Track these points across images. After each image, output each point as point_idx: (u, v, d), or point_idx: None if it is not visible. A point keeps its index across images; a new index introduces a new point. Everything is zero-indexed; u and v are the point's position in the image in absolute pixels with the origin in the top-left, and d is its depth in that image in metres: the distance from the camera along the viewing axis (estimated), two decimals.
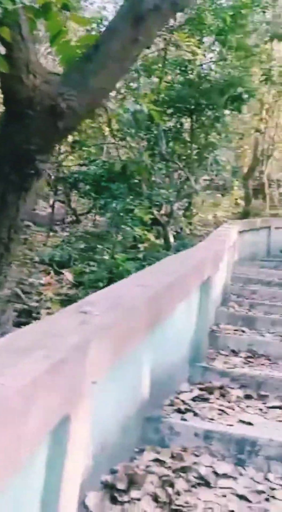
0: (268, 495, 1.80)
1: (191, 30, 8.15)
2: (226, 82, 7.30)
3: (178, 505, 1.64)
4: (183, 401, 2.49)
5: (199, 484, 1.83)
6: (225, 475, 1.92)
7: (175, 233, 8.30)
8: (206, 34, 8.71)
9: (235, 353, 3.58)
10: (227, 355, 3.51)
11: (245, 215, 13.28)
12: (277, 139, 15.25)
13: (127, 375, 2.01)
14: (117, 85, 8.69)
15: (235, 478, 1.92)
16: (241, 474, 1.95)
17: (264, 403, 2.63)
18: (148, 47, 3.75)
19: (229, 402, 2.61)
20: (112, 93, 6.39)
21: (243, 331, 4.19)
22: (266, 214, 15.15)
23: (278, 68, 9.92)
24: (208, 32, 8.64)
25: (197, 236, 10.57)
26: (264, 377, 2.89)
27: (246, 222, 9.11)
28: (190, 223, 9.58)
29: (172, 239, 7.73)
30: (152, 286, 2.18)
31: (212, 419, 2.30)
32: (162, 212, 8.34)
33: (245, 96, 7.42)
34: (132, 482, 1.73)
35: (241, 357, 3.46)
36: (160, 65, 7.75)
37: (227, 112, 8.02)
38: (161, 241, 7.71)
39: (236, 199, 16.77)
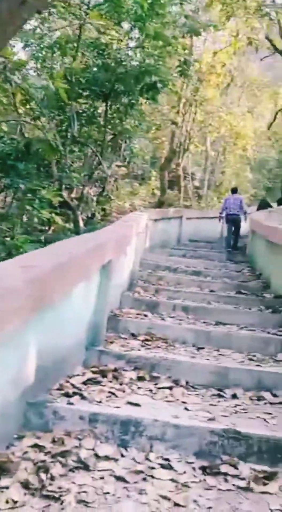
0: (146, 475, 1.80)
1: (109, 12, 7.99)
2: (141, 69, 7.28)
3: (50, 491, 1.57)
4: (72, 385, 2.42)
5: (77, 468, 1.77)
6: (106, 457, 1.89)
7: (86, 218, 8.18)
8: (124, 19, 8.61)
9: (134, 336, 3.59)
10: (126, 339, 3.51)
11: (160, 205, 13.54)
12: (193, 134, 15.75)
13: (7, 358, 1.88)
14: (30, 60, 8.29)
15: (116, 460, 1.89)
16: (122, 455, 1.94)
17: (155, 384, 2.66)
18: (39, 12, 3.55)
19: (121, 384, 2.60)
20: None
21: (146, 315, 4.23)
22: (180, 205, 15.61)
23: (194, 62, 10.14)
24: (126, 17, 8.56)
25: (111, 223, 10.55)
26: (157, 359, 2.93)
27: (159, 211, 9.27)
28: (104, 209, 9.52)
29: (82, 224, 7.60)
30: (38, 266, 2.06)
31: (100, 402, 2.26)
32: (73, 195, 8.15)
33: (160, 85, 7.47)
34: (4, 470, 1.63)
35: (139, 340, 3.48)
36: (75, 44, 7.50)
37: (142, 100, 8.03)
38: (70, 225, 7.54)
39: (153, 189, 17.07)
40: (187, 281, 5.92)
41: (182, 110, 12.05)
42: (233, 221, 9.63)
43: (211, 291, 5.51)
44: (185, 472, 1.85)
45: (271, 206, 13.42)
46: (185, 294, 5.13)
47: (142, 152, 12.59)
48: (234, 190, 10.42)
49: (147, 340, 3.48)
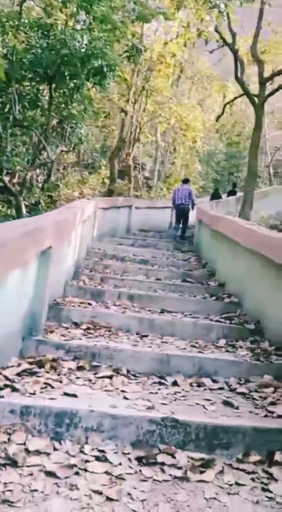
0: (80, 469, 1.71)
1: None
2: (87, 52, 7.05)
3: None
4: (5, 376, 2.28)
5: (3, 465, 1.65)
6: (37, 452, 1.77)
7: (30, 205, 7.87)
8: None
9: (76, 325, 3.47)
10: (67, 328, 3.38)
11: (109, 194, 13.38)
12: (143, 124, 15.67)
13: None
14: None
15: (48, 454, 1.79)
16: (55, 449, 1.83)
17: (95, 374, 2.56)
18: None
19: (58, 375, 2.48)
20: None
21: (90, 304, 4.11)
22: (130, 195, 15.53)
23: (143, 49, 10.01)
24: None
25: None
26: (99, 348, 2.83)
27: (108, 200, 9.12)
28: (51, 197, 9.22)
29: (24, 211, 7.31)
30: None
31: (33, 394, 2.14)
32: (15, 180, 7.80)
33: (107, 70, 7.28)
34: None
35: (81, 329, 3.36)
36: (16, 22, 7.13)
37: (90, 85, 7.79)
38: (13, 212, 7.23)
39: (103, 178, 16.85)
40: (134, 269, 5.86)
41: (131, 99, 11.90)
42: (181, 211, 9.69)
43: (158, 279, 5.49)
44: (120, 464, 1.78)
45: (221, 197, 13.71)
46: (131, 282, 5.06)
47: (88, 138, 12.28)
48: (185, 181, 10.48)
49: (89, 328, 3.37)
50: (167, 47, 14.35)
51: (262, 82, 12.04)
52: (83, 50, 7.08)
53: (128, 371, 2.70)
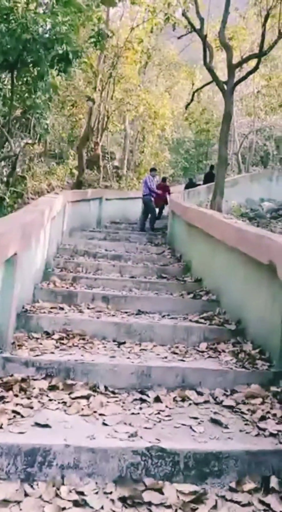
0: None
1: None
2: (51, 37, 6.64)
3: None
4: None
5: None
6: (4, 502, 1.54)
7: None
8: None
9: (48, 335, 3.22)
10: (38, 339, 3.13)
11: (78, 185, 13.01)
12: (111, 112, 15.27)
13: None
14: None
15: (18, 502, 1.56)
16: (27, 495, 1.61)
17: (69, 393, 2.34)
18: None
19: (29, 398, 2.24)
20: None
21: (62, 308, 3.86)
22: (100, 186, 15.19)
23: (109, 34, 9.64)
24: None
25: (26, 205, 9.85)
26: (73, 363, 2.60)
27: (78, 193, 8.80)
28: (16, 192, 8.81)
29: None
30: None
31: (0, 428, 1.89)
32: None
33: (72, 56, 6.89)
34: None
35: (54, 339, 3.12)
36: None
37: (54, 73, 7.39)
38: None
39: (71, 168, 16.39)
40: (107, 266, 5.63)
41: (99, 86, 11.50)
42: (143, 202, 9.53)
43: (132, 277, 5.28)
44: (102, 508, 1.57)
45: (198, 185, 13.47)
46: (105, 281, 4.83)
47: (54, 129, 11.85)
48: (151, 170, 10.25)
49: (62, 338, 3.13)
50: (133, 33, 13.98)
51: (231, 68, 11.86)
52: (46, 35, 6.67)
53: (106, 388, 2.48)
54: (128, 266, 5.70)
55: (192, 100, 13.12)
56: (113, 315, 3.76)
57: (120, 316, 3.74)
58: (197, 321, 3.79)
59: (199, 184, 14.33)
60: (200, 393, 2.55)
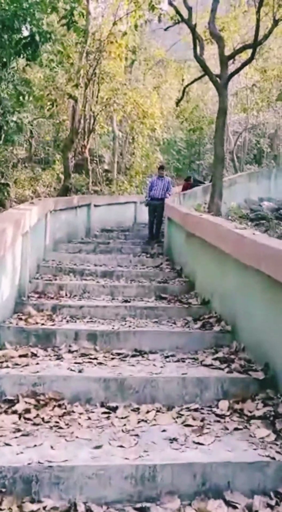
0: None
1: None
2: (10, 15, 5.63)
3: None
4: None
5: None
6: None
7: None
8: None
9: (10, 404, 2.33)
10: None
11: (65, 191, 12.11)
12: (97, 113, 14.37)
13: None
14: None
15: None
16: None
17: None
18: None
19: None
20: None
21: (35, 355, 2.98)
22: (90, 191, 14.30)
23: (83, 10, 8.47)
24: None
25: None
26: (36, 469, 1.71)
27: (62, 200, 7.92)
28: None
29: None
30: None
31: None
32: None
33: (39, 39, 5.94)
34: None
35: (16, 413, 2.23)
36: None
37: (21, 61, 6.42)
38: None
39: (58, 174, 15.52)
40: (96, 287, 4.75)
41: (81, 84, 10.59)
42: (155, 207, 8.39)
43: (125, 300, 4.40)
44: None
45: (203, 183, 12.45)
46: (92, 310, 3.95)
47: (38, 132, 10.95)
48: (160, 168, 9.07)
49: (27, 411, 2.24)
50: (117, 28, 13.12)
51: (223, 61, 11.05)
52: (3, 12, 5.66)
53: (88, 509, 1.60)
54: (121, 286, 4.82)
55: (183, 96, 12.30)
56: (101, 363, 2.86)
57: (111, 364, 2.84)
58: (210, 365, 2.91)
59: (202, 182, 13.36)
60: (230, 504, 1.68)
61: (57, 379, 2.52)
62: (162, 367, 2.87)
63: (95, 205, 9.78)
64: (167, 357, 3.13)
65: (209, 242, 4.07)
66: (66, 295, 4.55)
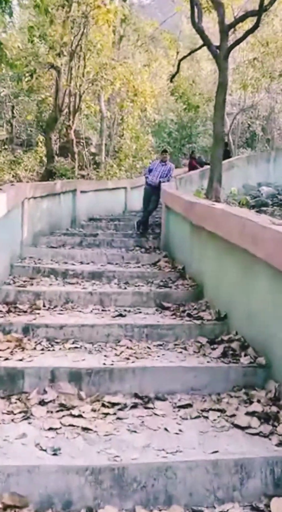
0: None
1: None
2: None
3: None
4: None
5: None
6: None
7: None
8: None
9: None
10: None
11: (48, 175, 11.05)
12: (83, 90, 13.17)
13: None
14: None
15: None
16: None
17: None
18: None
19: None
20: None
21: None
22: (76, 176, 13.20)
23: None
24: None
25: None
26: None
27: (41, 185, 6.89)
28: None
29: None
30: None
31: None
32: None
33: None
34: None
35: None
36: None
37: None
38: None
39: (41, 156, 14.35)
40: (82, 295, 3.81)
41: (64, 53, 9.39)
42: (152, 194, 7.32)
43: (119, 314, 3.46)
44: None
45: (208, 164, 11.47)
46: (76, 330, 3.01)
47: (29, 113, 9.78)
48: (163, 152, 8.01)
49: None
50: None
51: (224, 30, 9.97)
52: None
53: None
54: (112, 293, 3.87)
55: (178, 71, 11.24)
56: (88, 429, 1.93)
57: (103, 432, 1.91)
58: (247, 427, 2.01)
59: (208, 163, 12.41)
60: None
61: (19, 471, 1.58)
62: (177, 433, 1.95)
63: (81, 191, 8.75)
64: (181, 407, 2.23)
65: (227, 239, 3.14)
66: (44, 306, 3.60)
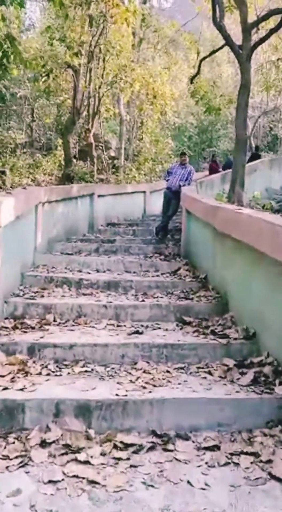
0: None
1: None
2: None
3: None
4: None
5: None
6: None
7: None
8: None
9: None
10: None
11: (66, 179, 10.85)
12: (103, 93, 12.96)
13: None
14: None
15: None
16: None
17: None
18: None
19: None
20: None
21: None
22: (95, 179, 12.98)
23: None
24: None
25: None
26: None
27: (57, 189, 6.64)
28: None
29: None
30: None
31: None
32: None
33: None
34: None
35: None
36: None
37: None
38: None
39: (60, 160, 14.20)
40: (96, 309, 3.50)
41: (83, 52, 9.14)
42: (171, 198, 6.97)
43: (136, 331, 3.13)
44: None
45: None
46: (87, 350, 2.70)
47: (46, 116, 9.50)
48: (181, 154, 7.72)
49: None
50: None
51: (246, 29, 9.60)
52: None
53: None
54: (129, 306, 3.55)
55: (198, 71, 10.89)
56: (95, 482, 1.60)
57: (114, 486, 1.59)
58: None
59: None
60: None
61: None
62: (203, 489, 1.61)
63: (99, 195, 8.48)
64: (206, 449, 1.89)
65: (256, 248, 2.79)
66: (54, 320, 3.31)
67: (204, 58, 10.76)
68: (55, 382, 2.30)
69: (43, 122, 15.38)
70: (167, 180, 7.28)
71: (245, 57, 9.37)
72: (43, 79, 8.61)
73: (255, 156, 14.70)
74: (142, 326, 3.30)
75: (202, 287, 4.30)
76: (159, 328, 3.29)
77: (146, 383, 2.35)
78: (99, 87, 12.22)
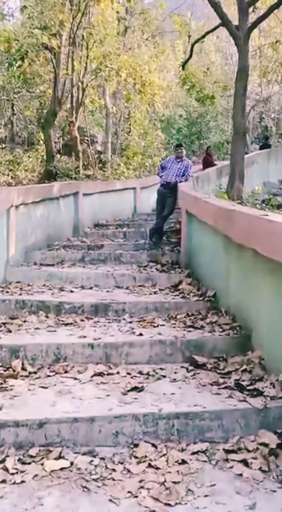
0: None
1: None
2: None
3: None
4: None
5: None
6: None
7: None
8: None
9: None
10: None
11: (48, 176, 9.93)
12: (87, 82, 12.00)
13: None
14: None
15: None
16: None
17: None
18: None
19: None
20: None
21: None
22: (81, 176, 12.06)
23: None
24: None
25: None
26: None
27: (34, 190, 5.73)
28: None
29: None
30: None
31: None
32: None
33: None
34: None
35: None
36: None
37: None
38: None
39: (42, 156, 13.25)
40: (79, 349, 2.65)
41: (62, 33, 8.14)
42: (167, 196, 6.08)
43: (134, 388, 2.28)
44: None
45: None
46: (63, 430, 1.85)
47: (26, 109, 8.62)
48: (177, 146, 6.84)
49: None
50: None
51: (243, 8, 8.77)
52: None
53: None
54: (123, 344, 2.70)
55: (191, 55, 10.04)
56: None
57: None
58: None
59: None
60: None
61: None
62: None
63: (84, 194, 7.58)
64: None
65: None
66: (23, 368, 2.45)
67: (197, 40, 9.87)
68: (8, 503, 1.44)
69: (24, 116, 14.40)
70: (161, 176, 6.41)
71: (243, 39, 8.53)
72: (17, 64, 7.66)
73: (265, 147, 14.40)
74: (141, 374, 2.47)
75: (212, 308, 3.47)
76: (164, 376, 2.46)
77: (153, 497, 1.51)
78: (83, 76, 11.28)
